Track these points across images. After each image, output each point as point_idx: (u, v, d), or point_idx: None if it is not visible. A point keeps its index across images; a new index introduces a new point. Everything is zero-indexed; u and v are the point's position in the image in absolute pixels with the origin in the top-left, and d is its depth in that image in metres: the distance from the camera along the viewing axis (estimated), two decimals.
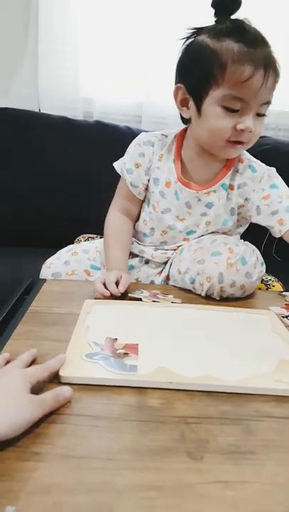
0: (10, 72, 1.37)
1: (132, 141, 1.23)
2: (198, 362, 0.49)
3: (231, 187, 0.76)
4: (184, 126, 0.77)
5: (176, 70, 0.70)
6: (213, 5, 0.64)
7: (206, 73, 0.63)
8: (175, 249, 0.79)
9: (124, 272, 0.72)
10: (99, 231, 1.06)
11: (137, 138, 0.79)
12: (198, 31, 0.67)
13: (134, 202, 0.80)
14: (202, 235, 0.78)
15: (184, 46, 0.68)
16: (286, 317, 0.63)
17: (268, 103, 0.66)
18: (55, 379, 0.43)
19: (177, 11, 1.31)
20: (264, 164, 0.77)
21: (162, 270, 0.80)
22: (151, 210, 0.79)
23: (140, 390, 0.43)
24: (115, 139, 1.20)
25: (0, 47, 1.36)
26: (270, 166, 0.79)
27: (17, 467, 0.32)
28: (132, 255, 0.82)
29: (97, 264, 0.79)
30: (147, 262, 0.81)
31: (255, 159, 0.78)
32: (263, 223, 0.75)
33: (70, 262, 0.78)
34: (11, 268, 1.03)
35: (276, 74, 0.64)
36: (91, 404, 0.41)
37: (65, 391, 0.39)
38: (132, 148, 0.79)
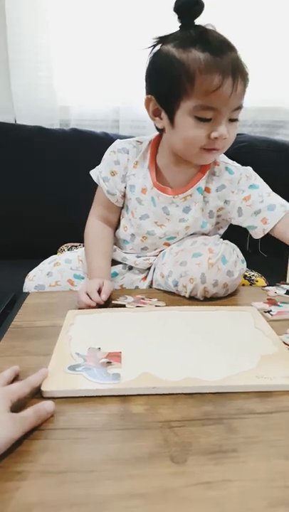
0: None
1: (108, 146, 1.24)
2: (181, 364, 0.49)
3: (208, 190, 0.76)
4: (156, 135, 0.77)
5: (146, 80, 0.70)
6: (175, 9, 0.64)
7: (174, 85, 0.63)
8: (157, 255, 0.80)
9: (107, 279, 0.72)
10: (81, 239, 1.07)
11: (111, 146, 0.80)
12: (164, 39, 0.66)
13: (112, 209, 0.80)
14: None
15: (151, 56, 0.68)
16: (268, 312, 0.64)
17: (240, 108, 0.66)
18: (37, 394, 0.43)
19: (150, 14, 1.31)
20: (239, 165, 0.78)
21: (146, 276, 0.81)
22: (130, 216, 0.79)
23: (124, 397, 0.44)
24: (92, 145, 1.20)
25: None
26: (245, 162, 0.79)
27: None
28: (116, 262, 0.82)
29: (80, 273, 0.80)
30: (131, 268, 0.82)
31: (230, 161, 0.78)
32: (245, 224, 0.76)
33: (53, 273, 0.78)
34: None
35: (245, 78, 0.65)
36: (74, 417, 0.41)
37: (46, 406, 0.40)
38: (107, 156, 0.79)
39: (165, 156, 0.75)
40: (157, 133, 0.77)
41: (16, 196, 1.19)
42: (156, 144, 0.77)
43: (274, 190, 0.76)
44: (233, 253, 0.71)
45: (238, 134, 1.29)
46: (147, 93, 0.69)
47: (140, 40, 1.32)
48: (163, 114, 0.68)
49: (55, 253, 1.02)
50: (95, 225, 0.81)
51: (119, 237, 0.82)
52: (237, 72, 0.62)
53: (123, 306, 0.67)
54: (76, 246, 1.08)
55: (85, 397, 0.44)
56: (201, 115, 0.64)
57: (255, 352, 0.52)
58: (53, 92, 1.36)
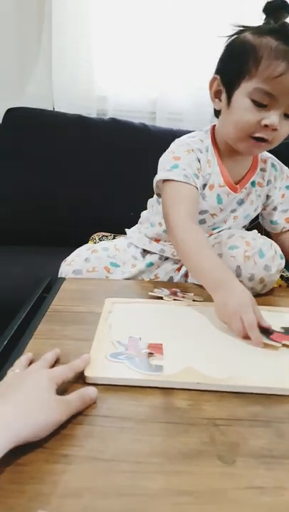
0: (24, 72, 1.38)
1: (147, 137, 1.22)
2: (224, 362, 0.48)
3: (260, 184, 0.79)
4: (210, 126, 0.77)
5: (217, 64, 0.71)
6: (264, 10, 0.65)
7: (241, 65, 0.64)
8: None
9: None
10: (112, 230, 1.06)
11: (181, 143, 0.74)
12: (244, 29, 0.67)
13: (196, 203, 0.72)
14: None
15: (228, 42, 0.69)
16: None
17: None
18: (80, 379, 0.43)
19: (191, 7, 1.29)
20: (281, 163, 0.81)
21: (181, 266, 0.79)
22: None
23: (166, 390, 0.42)
24: (131, 136, 1.19)
25: (13, 47, 1.36)
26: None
27: (46, 469, 0.32)
28: (151, 253, 0.81)
29: (116, 261, 0.79)
30: (166, 258, 0.80)
31: (274, 157, 0.81)
32: (271, 217, 0.82)
33: (91, 259, 0.78)
34: (27, 267, 1.03)
35: None
36: (117, 405, 0.40)
37: (90, 392, 0.39)
38: (186, 155, 0.72)
39: (222, 150, 0.75)
40: (209, 126, 0.77)
41: (51, 184, 1.19)
42: (214, 138, 0.76)
43: None
44: (271, 248, 0.69)
45: None
46: (215, 72, 0.70)
47: (179, 32, 1.32)
48: (223, 95, 0.69)
49: (87, 242, 1.02)
50: (189, 224, 0.66)
51: (157, 232, 0.81)
52: None
53: (160, 298, 0.65)
54: (107, 236, 1.07)
55: (126, 386, 0.43)
56: (258, 99, 0.64)
57: None
58: (91, 82, 1.36)
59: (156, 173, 0.78)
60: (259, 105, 0.64)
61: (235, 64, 0.65)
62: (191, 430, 0.37)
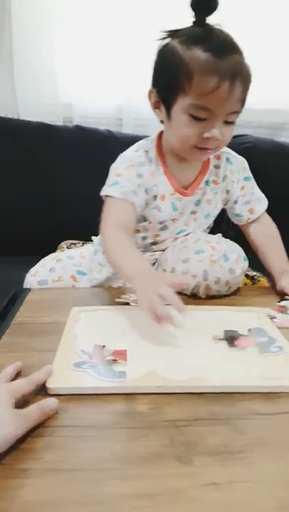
0: None
1: (112, 144, 1.22)
2: (187, 364, 0.49)
3: (215, 182, 0.78)
4: (156, 134, 0.76)
5: (152, 74, 0.70)
6: (191, 5, 0.64)
7: (173, 81, 0.63)
8: (162, 250, 0.80)
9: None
10: (80, 237, 1.06)
11: (124, 159, 0.74)
12: (173, 34, 0.66)
13: (133, 219, 0.72)
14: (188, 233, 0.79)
15: (158, 49, 0.68)
16: (272, 318, 0.63)
17: (237, 112, 0.66)
18: (42, 390, 0.43)
19: (154, 11, 1.30)
20: (237, 154, 0.81)
21: None
22: (147, 224, 0.77)
23: (128, 396, 0.43)
24: (96, 143, 1.20)
25: None
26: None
27: (4, 485, 0.32)
28: None
29: (83, 269, 0.79)
30: None
31: (229, 150, 0.79)
32: (234, 211, 0.82)
33: (56, 269, 0.77)
34: None
35: (246, 82, 0.64)
36: (79, 414, 0.40)
37: (51, 403, 0.39)
38: (126, 171, 0.72)
39: (169, 156, 0.75)
40: (153, 137, 0.76)
41: (16, 192, 1.18)
42: (159, 147, 0.76)
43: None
44: (234, 251, 0.71)
45: (242, 135, 1.31)
46: (151, 85, 0.70)
47: (144, 38, 1.33)
48: (162, 108, 0.69)
49: (54, 250, 1.01)
50: (117, 230, 0.68)
51: None
52: (236, 76, 0.61)
53: (127, 304, 0.66)
54: (75, 244, 1.07)
55: (90, 394, 0.43)
56: (195, 114, 0.63)
57: (262, 353, 0.52)
58: (56, 89, 1.35)
59: None
60: (198, 119, 0.64)
61: (168, 79, 0.64)
62: (151, 433, 0.38)
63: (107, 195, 0.71)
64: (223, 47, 0.61)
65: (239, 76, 0.62)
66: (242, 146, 1.17)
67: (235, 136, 1.26)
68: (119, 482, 0.33)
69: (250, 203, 0.81)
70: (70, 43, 1.33)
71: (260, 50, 1.31)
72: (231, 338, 0.55)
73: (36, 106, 1.34)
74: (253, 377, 0.47)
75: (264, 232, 0.82)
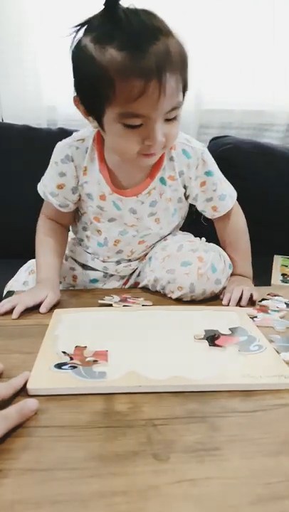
0: None
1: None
2: (167, 363, 0.49)
3: (172, 178, 0.71)
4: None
5: (73, 77, 0.59)
6: None
7: (95, 89, 0.54)
8: (138, 259, 0.79)
9: (56, 281, 0.70)
10: None
11: (55, 152, 0.70)
12: (85, 28, 0.56)
13: (64, 214, 0.75)
14: (158, 233, 0.76)
15: (72, 49, 0.57)
16: (253, 318, 0.64)
17: (176, 107, 0.56)
18: (22, 391, 0.43)
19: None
20: (195, 142, 0.71)
21: (127, 280, 0.80)
22: (95, 222, 0.74)
23: (108, 396, 0.44)
24: None
25: None
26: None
27: None
28: (95, 269, 0.80)
29: None
30: (112, 275, 0.80)
31: (185, 139, 0.70)
32: (197, 207, 0.77)
33: (29, 282, 0.77)
34: None
35: (178, 70, 0.54)
36: (58, 415, 0.41)
37: (30, 404, 0.39)
38: (50, 169, 0.71)
39: (108, 152, 0.67)
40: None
41: (2, 195, 1.17)
42: (100, 139, 0.67)
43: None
44: (220, 260, 0.70)
45: (223, 137, 1.32)
46: (74, 91, 0.59)
47: None
48: (91, 117, 0.60)
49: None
50: (46, 225, 0.76)
51: (90, 246, 0.78)
52: (164, 69, 0.51)
53: (110, 305, 0.67)
54: None
55: (70, 395, 0.44)
56: (128, 122, 0.55)
57: (241, 352, 0.53)
58: (39, 92, 1.35)
59: None
60: (133, 127, 0.55)
61: (89, 87, 0.55)
62: (128, 432, 0.38)
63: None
64: (141, 37, 0.51)
65: (168, 67, 0.52)
66: (222, 147, 1.19)
67: (216, 138, 1.29)
68: (94, 480, 0.33)
69: (213, 200, 0.73)
70: (53, 46, 1.33)
71: (242, 52, 1.34)
72: (212, 338, 0.56)
73: (20, 109, 1.34)
74: (232, 376, 0.47)
75: (231, 229, 0.77)
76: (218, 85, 1.35)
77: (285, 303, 0.70)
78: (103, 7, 0.53)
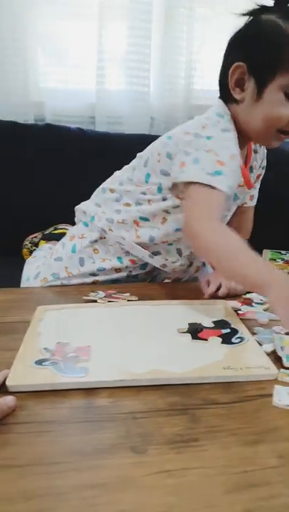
0: None
1: (84, 142, 1.20)
2: (149, 357, 0.50)
3: (255, 167, 0.80)
4: (229, 116, 0.68)
5: (236, 46, 0.66)
6: None
7: (276, 55, 0.60)
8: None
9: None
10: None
11: (225, 144, 0.65)
12: (264, 10, 0.64)
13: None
14: None
15: (250, 22, 0.65)
16: (237, 310, 0.64)
17: None
18: (2, 388, 0.43)
19: (123, 13, 1.30)
20: None
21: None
22: None
23: (90, 391, 0.44)
24: (66, 141, 1.19)
25: None
26: None
27: None
28: (119, 270, 0.78)
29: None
30: (136, 276, 0.79)
31: None
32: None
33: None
34: None
35: None
36: (38, 411, 0.41)
37: (8, 401, 0.39)
38: (231, 161, 0.64)
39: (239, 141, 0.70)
40: (228, 114, 0.68)
41: None
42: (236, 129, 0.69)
43: None
44: None
45: None
46: (237, 60, 0.65)
47: (118, 35, 1.34)
48: (250, 85, 0.65)
49: (21, 249, 1.02)
50: (226, 230, 0.61)
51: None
52: None
53: (94, 301, 0.67)
54: (36, 236, 1.06)
55: (50, 391, 0.44)
56: None
57: (224, 344, 0.53)
58: (26, 88, 1.34)
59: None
60: None
61: (269, 53, 0.61)
62: (108, 426, 0.39)
63: (211, 186, 0.61)
64: None
65: None
66: None
67: None
68: (72, 474, 0.33)
69: (256, 189, 0.82)
70: (41, 40, 1.32)
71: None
72: (195, 331, 0.56)
73: (6, 105, 1.33)
74: (213, 368, 0.48)
75: (242, 226, 0.82)
76: (210, 81, 1.36)
77: None
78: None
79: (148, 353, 0.51)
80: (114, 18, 1.30)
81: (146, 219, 0.74)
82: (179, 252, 0.77)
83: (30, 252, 1.01)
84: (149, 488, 0.32)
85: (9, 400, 0.39)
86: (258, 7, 0.65)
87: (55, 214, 0.97)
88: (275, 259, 1.13)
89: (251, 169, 0.78)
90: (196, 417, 0.41)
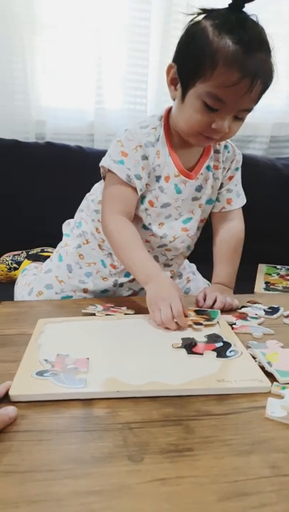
0: None
1: (83, 159, 1.23)
2: (146, 369, 0.51)
3: (216, 167, 0.80)
4: (165, 111, 0.76)
5: (176, 49, 0.69)
6: None
7: (197, 64, 0.63)
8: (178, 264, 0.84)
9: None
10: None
11: (132, 137, 0.72)
12: (207, 13, 0.65)
13: (134, 204, 0.74)
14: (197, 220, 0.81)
15: (188, 26, 0.66)
16: (232, 324, 0.66)
17: (249, 110, 0.67)
18: (5, 398, 0.45)
19: (126, 30, 1.35)
20: (233, 144, 0.82)
21: (137, 292, 0.83)
22: (148, 206, 0.76)
23: (88, 401, 0.45)
24: (66, 159, 1.23)
25: None
26: None
27: None
28: (105, 279, 0.82)
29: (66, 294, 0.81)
30: (122, 285, 0.82)
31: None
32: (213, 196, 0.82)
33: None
34: None
35: (266, 83, 0.64)
36: (38, 420, 0.42)
37: (9, 411, 0.41)
38: (132, 152, 0.72)
39: (175, 137, 0.75)
40: (163, 111, 0.76)
41: None
42: (167, 126, 0.75)
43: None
44: None
45: None
46: (173, 60, 0.69)
47: (117, 53, 1.39)
48: (178, 87, 0.69)
49: None
50: (121, 220, 0.72)
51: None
52: (259, 76, 0.61)
53: (93, 314, 0.68)
54: (19, 254, 1.09)
55: (50, 401, 0.45)
56: (209, 103, 0.64)
57: (218, 358, 0.55)
58: (28, 106, 1.38)
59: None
60: (210, 109, 0.64)
61: (192, 61, 0.64)
62: (105, 435, 0.40)
63: (110, 170, 0.72)
64: (254, 42, 0.61)
65: (262, 76, 0.62)
66: None
67: None
68: (69, 481, 0.35)
69: (231, 192, 0.82)
70: (42, 60, 1.36)
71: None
72: (189, 346, 0.57)
73: (9, 123, 1.37)
74: (207, 381, 0.49)
75: (231, 235, 0.82)
76: None
77: (264, 310, 0.73)
78: (228, 5, 0.63)
79: (144, 365, 0.52)
80: (113, 40, 1.35)
81: None
82: (156, 259, 0.80)
83: (9, 269, 1.03)
84: (144, 495, 0.34)
85: (10, 410, 0.41)
86: (201, 10, 0.65)
87: (57, 227, 0.99)
88: (270, 274, 1.15)
89: (209, 168, 0.78)
90: (190, 427, 0.42)
